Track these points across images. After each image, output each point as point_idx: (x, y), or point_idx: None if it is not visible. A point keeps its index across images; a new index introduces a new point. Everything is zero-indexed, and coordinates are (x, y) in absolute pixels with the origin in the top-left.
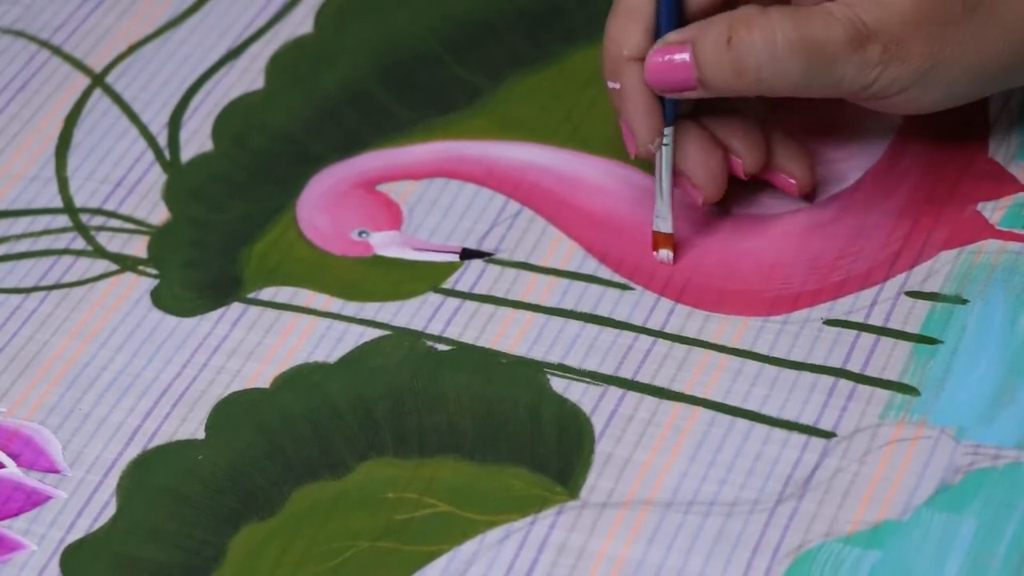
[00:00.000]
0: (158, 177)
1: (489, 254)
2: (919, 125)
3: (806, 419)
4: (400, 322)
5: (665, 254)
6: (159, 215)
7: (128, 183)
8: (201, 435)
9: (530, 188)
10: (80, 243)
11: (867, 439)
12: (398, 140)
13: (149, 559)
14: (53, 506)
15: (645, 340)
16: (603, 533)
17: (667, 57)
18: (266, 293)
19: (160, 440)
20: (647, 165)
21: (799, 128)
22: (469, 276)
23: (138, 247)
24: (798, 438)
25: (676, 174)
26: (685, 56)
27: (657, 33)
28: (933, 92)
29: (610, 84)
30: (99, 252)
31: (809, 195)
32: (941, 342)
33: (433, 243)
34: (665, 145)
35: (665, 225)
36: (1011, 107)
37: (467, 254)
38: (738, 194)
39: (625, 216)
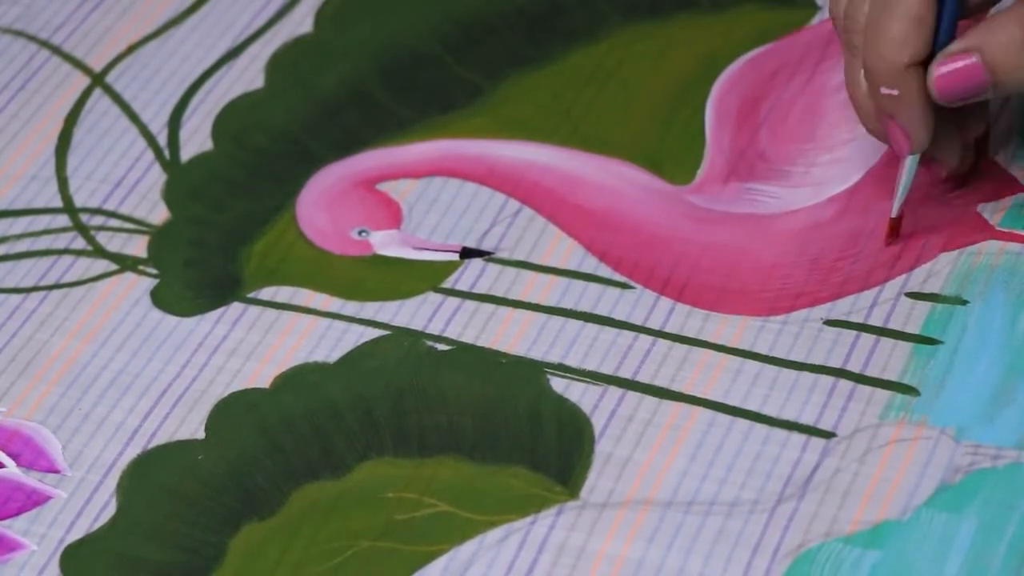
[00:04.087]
0: (158, 177)
1: (489, 253)
2: None
3: (806, 419)
4: (400, 322)
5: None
6: (159, 215)
7: (128, 183)
8: (201, 435)
9: (530, 187)
10: (80, 243)
11: (867, 439)
12: (398, 139)
13: (149, 559)
14: (53, 506)
15: (645, 340)
16: (603, 533)
17: (954, 67)
18: (266, 293)
19: (160, 440)
20: (648, 163)
21: (799, 125)
22: (469, 275)
23: (138, 247)
24: (798, 438)
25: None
26: (972, 61)
27: (936, 38)
28: None
29: (884, 90)
30: (99, 252)
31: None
32: (941, 343)
33: (433, 242)
34: None
35: (900, 208)
36: (1011, 107)
37: (467, 253)
38: (738, 190)
39: (625, 214)
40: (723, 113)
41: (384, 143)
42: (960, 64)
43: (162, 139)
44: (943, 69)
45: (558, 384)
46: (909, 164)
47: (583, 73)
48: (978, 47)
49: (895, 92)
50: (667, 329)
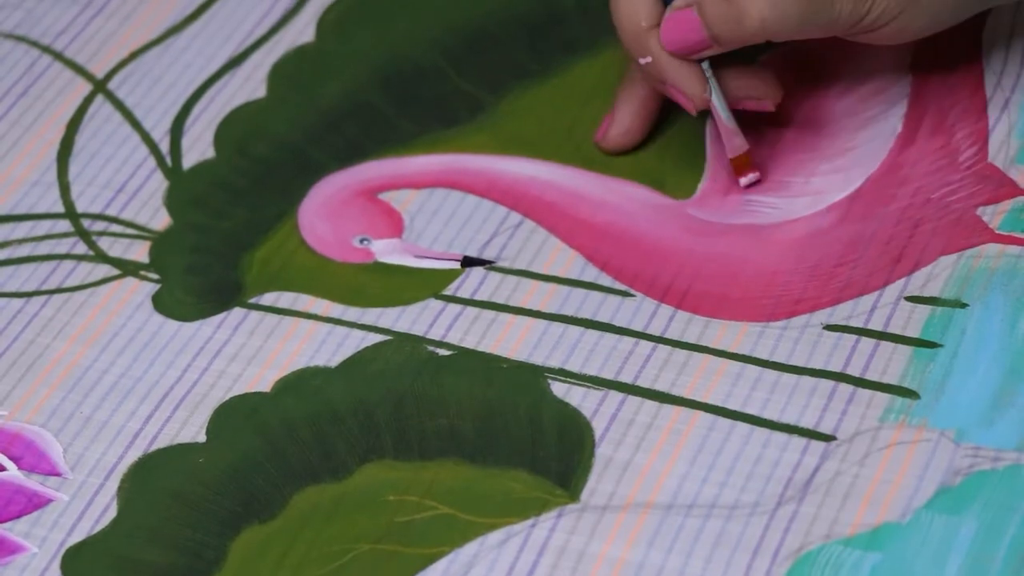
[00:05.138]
0: (160, 183)
1: (490, 262)
2: (919, 127)
3: (806, 422)
4: (401, 327)
5: (752, 176)
6: (160, 221)
7: (130, 189)
8: (202, 439)
9: (532, 201)
10: (82, 248)
11: (867, 442)
12: (400, 152)
13: (150, 562)
14: (54, 509)
15: (645, 345)
16: (603, 536)
17: (678, 23)
18: (267, 298)
19: (161, 444)
20: (650, 180)
21: (799, 136)
22: (470, 283)
23: (139, 252)
24: (798, 441)
25: (734, 101)
26: (691, 14)
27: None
28: (919, 18)
29: (642, 60)
30: (100, 257)
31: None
32: (941, 346)
33: (434, 251)
34: (710, 79)
35: (742, 146)
36: (1011, 111)
37: (468, 262)
38: (738, 202)
39: (626, 227)
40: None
41: (386, 155)
42: (680, 16)
43: (164, 146)
44: (666, 25)
45: (559, 388)
46: (714, 114)
47: (585, 88)
48: (696, 1)
49: (650, 58)
50: (668, 335)
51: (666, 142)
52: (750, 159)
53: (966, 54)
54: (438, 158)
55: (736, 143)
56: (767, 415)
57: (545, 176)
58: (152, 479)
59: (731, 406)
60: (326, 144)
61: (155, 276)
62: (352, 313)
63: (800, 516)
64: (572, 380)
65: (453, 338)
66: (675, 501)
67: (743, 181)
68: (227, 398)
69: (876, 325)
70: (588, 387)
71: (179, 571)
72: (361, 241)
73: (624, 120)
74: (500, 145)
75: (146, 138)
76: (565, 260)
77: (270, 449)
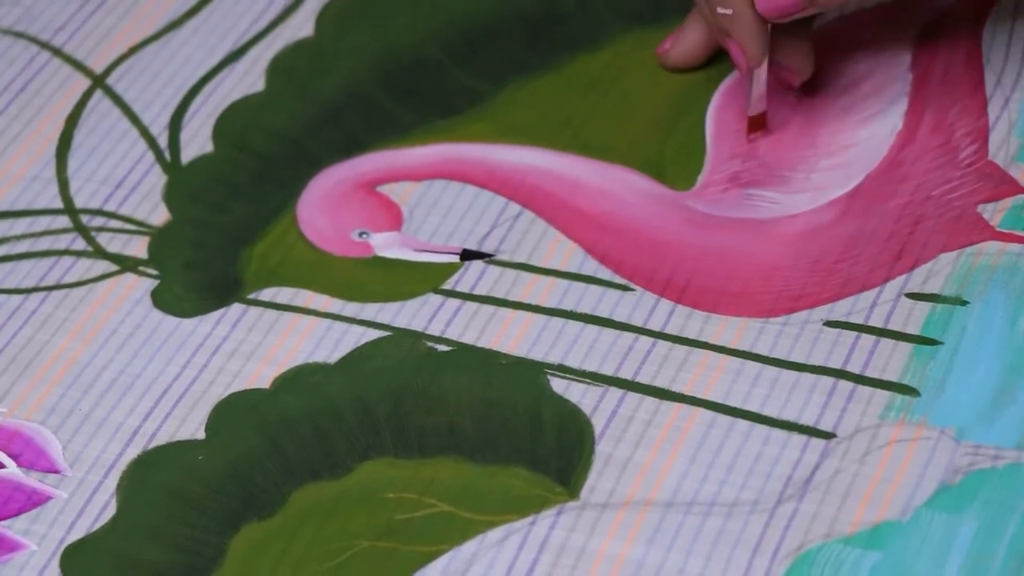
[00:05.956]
0: (158, 178)
1: (489, 255)
2: (920, 125)
3: (806, 420)
4: (400, 323)
5: (759, 133)
6: (159, 216)
7: (128, 184)
8: (201, 435)
9: (531, 191)
10: (80, 244)
11: (867, 440)
12: (398, 143)
13: (149, 559)
14: (53, 506)
15: (645, 341)
16: (603, 533)
17: None
18: (266, 294)
19: (160, 440)
20: (650, 169)
21: (800, 132)
22: (469, 277)
23: (138, 248)
24: (798, 439)
25: (771, 65)
26: None
27: None
28: None
29: (720, 10)
30: (99, 253)
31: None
32: (941, 343)
33: (433, 244)
34: None
35: (762, 106)
36: (1011, 109)
37: (467, 255)
38: (738, 196)
39: (625, 218)
40: (724, 121)
41: (385, 147)
42: None
43: (163, 141)
44: None
45: (558, 385)
46: (755, 76)
47: (584, 80)
48: None
49: (729, 12)
50: (667, 330)
51: (667, 131)
52: (765, 118)
53: (966, 52)
54: (436, 148)
55: (760, 103)
56: (767, 412)
57: (544, 165)
58: (151, 476)
59: (731, 403)
60: (325, 137)
61: (154, 272)
62: (351, 308)
63: (800, 514)
64: (572, 376)
65: (452, 333)
66: (675, 499)
67: (751, 137)
68: (226, 395)
69: (876, 322)
70: (588, 383)
71: (178, 569)
72: (360, 234)
73: (689, 42)
74: (499, 133)
75: (145, 133)
76: (564, 252)
77: (269, 446)
